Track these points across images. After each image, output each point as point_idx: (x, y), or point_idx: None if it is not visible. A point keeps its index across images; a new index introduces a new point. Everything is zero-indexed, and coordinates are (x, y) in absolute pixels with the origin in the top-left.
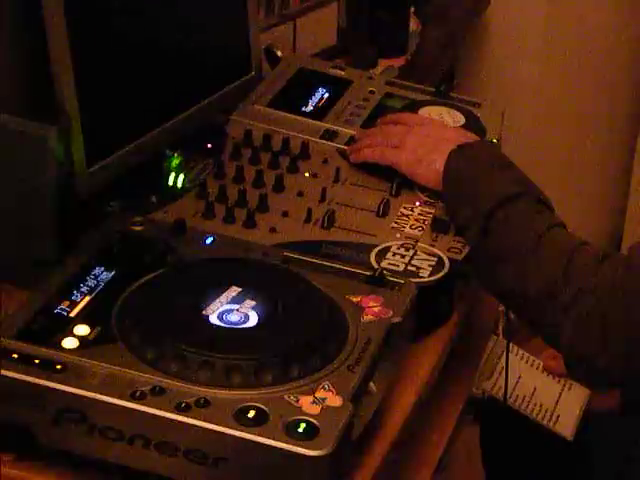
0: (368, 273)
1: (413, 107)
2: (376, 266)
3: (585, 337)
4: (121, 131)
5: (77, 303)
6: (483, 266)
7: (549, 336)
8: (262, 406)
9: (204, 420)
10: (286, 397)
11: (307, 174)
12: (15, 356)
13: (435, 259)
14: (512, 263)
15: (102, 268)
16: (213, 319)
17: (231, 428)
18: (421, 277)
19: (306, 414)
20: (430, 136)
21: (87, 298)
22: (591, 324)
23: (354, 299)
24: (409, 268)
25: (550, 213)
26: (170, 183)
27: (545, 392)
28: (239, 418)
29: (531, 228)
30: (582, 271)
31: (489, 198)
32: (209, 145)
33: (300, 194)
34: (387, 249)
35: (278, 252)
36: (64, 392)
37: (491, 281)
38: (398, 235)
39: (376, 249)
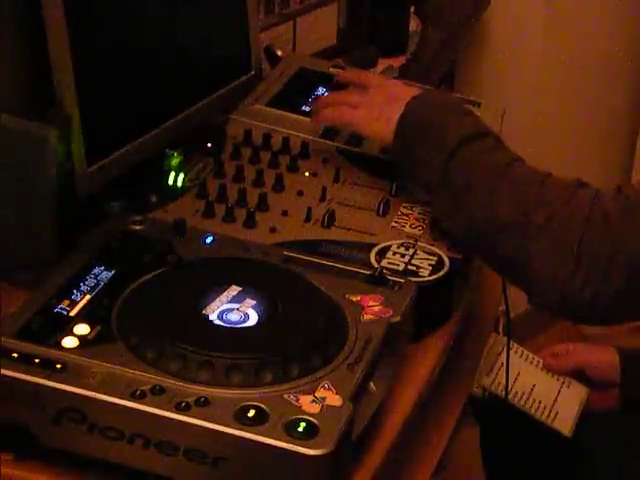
0: (368, 272)
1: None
2: (376, 265)
3: (560, 258)
4: (121, 131)
5: (77, 302)
6: (445, 206)
7: (520, 265)
8: (262, 405)
9: (204, 419)
10: (286, 396)
11: (307, 173)
12: (15, 355)
13: (435, 258)
14: (480, 193)
15: (102, 267)
16: (213, 318)
17: (231, 427)
18: (421, 276)
19: (306, 413)
20: (388, 94)
21: (87, 297)
22: (566, 245)
23: (354, 298)
24: (409, 267)
25: (512, 151)
26: (170, 182)
27: (544, 389)
28: (239, 417)
29: (497, 160)
30: (557, 194)
31: (450, 137)
32: (209, 144)
33: (300, 193)
34: (387, 248)
35: (278, 251)
36: (64, 392)
37: (458, 219)
38: (398, 234)
39: (376, 248)
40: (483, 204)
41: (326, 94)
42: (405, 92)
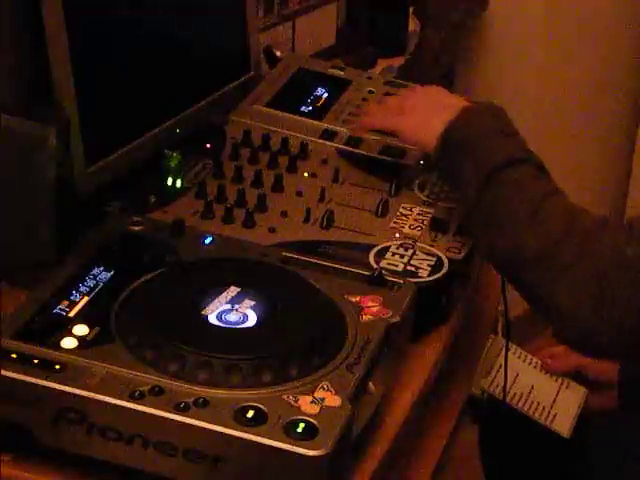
0: (367, 273)
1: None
2: (375, 266)
3: (581, 299)
4: (120, 131)
5: (76, 303)
6: (481, 227)
7: (543, 298)
8: (261, 406)
9: (203, 420)
10: (285, 397)
11: (306, 174)
12: (14, 356)
13: (434, 259)
14: (512, 223)
15: (101, 268)
16: (212, 319)
17: (230, 428)
18: (420, 277)
19: (305, 414)
20: (432, 100)
21: (86, 298)
22: (589, 286)
23: (353, 299)
24: (408, 268)
25: (551, 180)
26: (169, 183)
27: (543, 390)
28: (238, 418)
29: (533, 190)
30: (584, 233)
31: (490, 160)
32: (208, 145)
33: (299, 194)
34: (386, 249)
35: (277, 252)
36: (63, 392)
37: (488, 242)
38: (397, 235)
39: (375, 249)
40: (512, 234)
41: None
42: (452, 101)
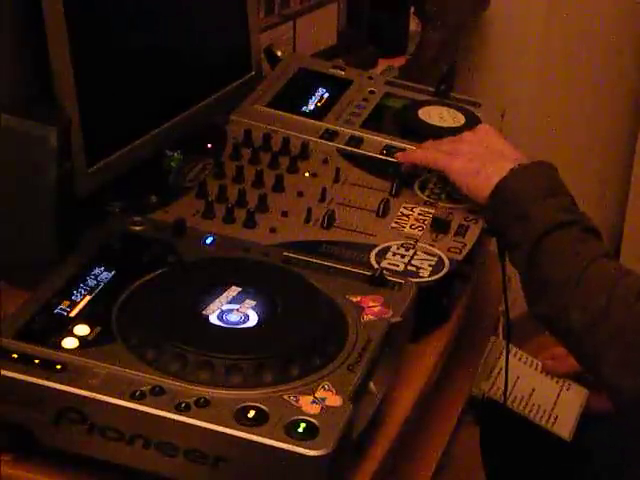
0: (368, 273)
1: (413, 107)
2: (376, 266)
3: (625, 371)
4: (121, 131)
5: (77, 303)
6: (529, 291)
7: (589, 367)
8: (262, 406)
9: (204, 420)
10: (286, 397)
11: (307, 174)
12: (15, 356)
13: (435, 259)
14: (556, 293)
15: (102, 268)
16: (213, 319)
17: (231, 428)
18: (421, 277)
19: (306, 414)
20: (487, 147)
21: (87, 298)
22: (631, 359)
23: (354, 299)
24: (409, 268)
25: (596, 242)
26: (170, 183)
27: (543, 393)
28: (239, 418)
29: (576, 259)
30: (621, 307)
31: (539, 224)
32: (209, 145)
33: (300, 194)
34: (387, 249)
35: (278, 252)
36: (64, 392)
37: (535, 307)
38: (398, 235)
39: (376, 249)
40: (558, 304)
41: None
42: (509, 151)
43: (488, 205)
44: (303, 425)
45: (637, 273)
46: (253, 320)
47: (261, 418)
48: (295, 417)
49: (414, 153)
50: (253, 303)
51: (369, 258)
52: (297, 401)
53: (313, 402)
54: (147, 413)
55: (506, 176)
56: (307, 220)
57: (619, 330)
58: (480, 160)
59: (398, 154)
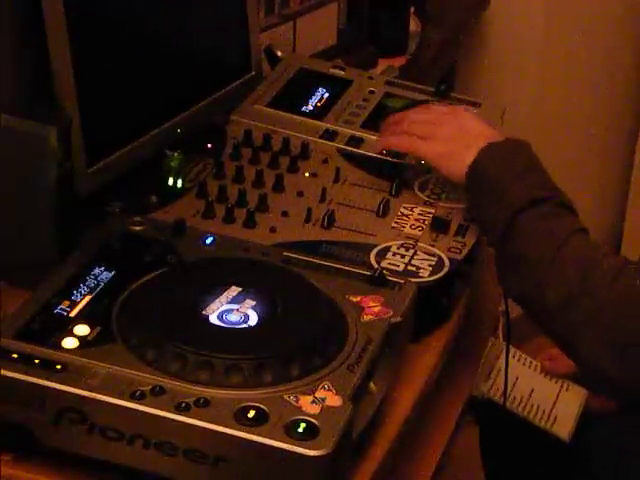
0: (368, 273)
1: (413, 107)
2: (376, 266)
3: (601, 352)
4: (121, 131)
5: (77, 303)
6: (502, 269)
7: (565, 346)
8: (262, 406)
9: (204, 420)
10: (286, 397)
11: (307, 174)
12: (15, 356)
13: (435, 259)
14: (530, 271)
15: (102, 268)
16: (213, 319)
17: (231, 428)
18: (421, 277)
19: (306, 414)
20: (462, 128)
21: (87, 298)
22: (607, 339)
23: (354, 299)
24: (409, 268)
25: (572, 218)
26: (170, 183)
27: (543, 393)
28: (239, 418)
29: (551, 236)
30: (599, 287)
31: (513, 202)
32: (209, 145)
33: (300, 194)
34: (387, 249)
35: (278, 252)
36: (64, 392)
37: (509, 285)
38: (398, 235)
39: (376, 249)
40: (533, 282)
41: (392, 118)
42: (479, 129)
43: (466, 187)
44: (303, 425)
45: (615, 254)
46: (253, 320)
47: (261, 418)
48: (295, 417)
49: (389, 139)
50: (253, 303)
51: (369, 258)
52: (297, 401)
53: (313, 402)
54: (147, 413)
55: (477, 156)
56: (307, 220)
57: (597, 310)
58: (452, 142)
59: (374, 145)
